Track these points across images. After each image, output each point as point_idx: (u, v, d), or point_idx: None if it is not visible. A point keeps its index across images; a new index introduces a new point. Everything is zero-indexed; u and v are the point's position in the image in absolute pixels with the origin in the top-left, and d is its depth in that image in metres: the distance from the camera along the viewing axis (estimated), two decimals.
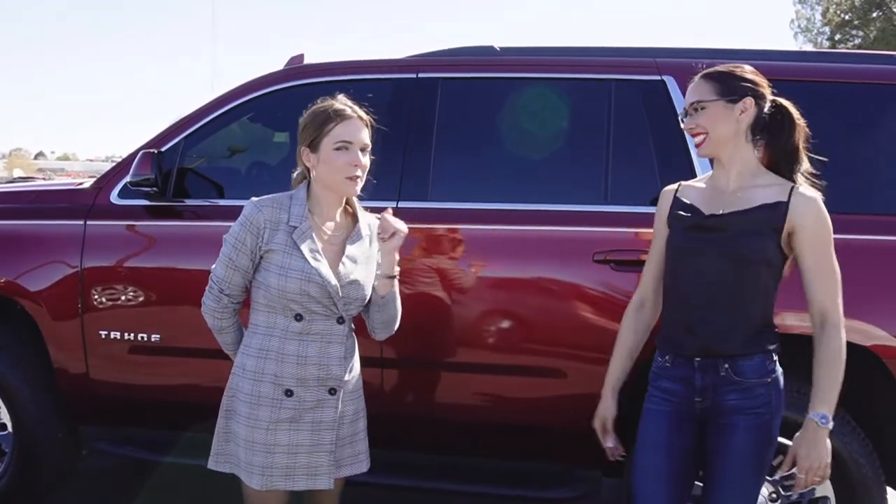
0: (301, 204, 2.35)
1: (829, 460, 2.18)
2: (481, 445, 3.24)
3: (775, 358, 2.31)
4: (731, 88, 2.27)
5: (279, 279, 2.28)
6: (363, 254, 2.44)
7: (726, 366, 2.25)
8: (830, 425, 2.17)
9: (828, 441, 2.18)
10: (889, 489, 2.96)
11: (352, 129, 2.32)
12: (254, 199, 2.37)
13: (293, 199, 2.36)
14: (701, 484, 2.43)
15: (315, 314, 2.32)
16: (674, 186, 2.48)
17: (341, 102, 2.37)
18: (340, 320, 2.37)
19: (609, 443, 2.50)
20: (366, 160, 2.35)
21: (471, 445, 3.25)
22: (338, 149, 2.30)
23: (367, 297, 2.44)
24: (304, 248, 2.29)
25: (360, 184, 2.36)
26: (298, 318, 2.32)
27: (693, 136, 2.34)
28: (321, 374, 2.34)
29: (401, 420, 3.20)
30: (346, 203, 2.45)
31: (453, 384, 3.15)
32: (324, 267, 2.31)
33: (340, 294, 2.33)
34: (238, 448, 2.36)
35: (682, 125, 2.40)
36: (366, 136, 2.36)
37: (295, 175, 2.47)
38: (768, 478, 2.76)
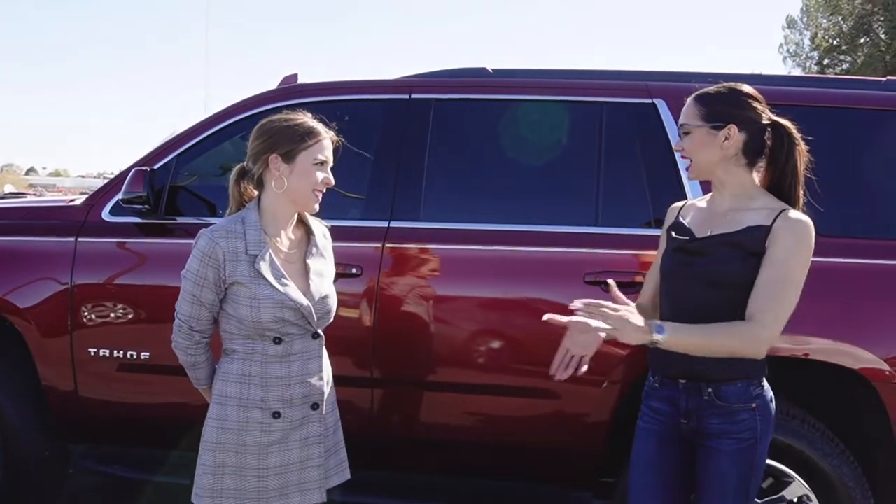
0: (255, 229, 2.31)
1: (618, 333, 2.01)
2: (472, 466, 3.23)
3: (762, 383, 2.28)
4: (715, 114, 2.23)
5: (251, 311, 2.25)
6: (324, 265, 2.45)
7: (710, 390, 2.23)
8: (656, 337, 2.03)
9: (637, 334, 2.01)
10: None
11: (328, 148, 2.37)
12: (205, 229, 2.32)
13: (246, 224, 2.31)
14: None
15: (293, 335, 2.32)
16: (679, 203, 2.49)
17: (313, 120, 2.39)
18: (315, 335, 2.37)
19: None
20: None
21: (461, 466, 3.24)
22: (315, 164, 2.32)
23: (335, 308, 2.44)
24: (269, 275, 2.27)
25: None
26: (277, 341, 2.30)
27: (682, 158, 2.35)
28: (304, 392, 2.34)
29: (389, 440, 3.19)
30: (298, 214, 2.45)
31: (444, 404, 3.14)
32: (293, 290, 2.29)
33: (314, 312, 2.33)
34: (224, 477, 2.31)
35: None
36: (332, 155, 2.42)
37: (238, 175, 2.41)
38: (758, 500, 2.76)
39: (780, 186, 2.27)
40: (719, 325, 2.12)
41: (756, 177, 2.30)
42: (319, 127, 2.37)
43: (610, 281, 2.24)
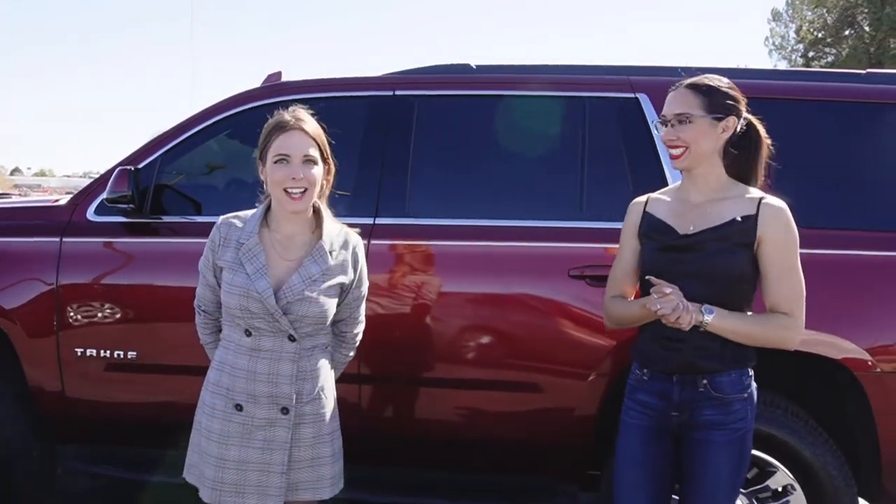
0: (254, 220, 2.35)
1: (685, 319, 2.14)
2: (458, 460, 3.25)
3: (751, 373, 2.33)
4: (717, 105, 2.28)
5: (225, 295, 2.31)
6: (326, 270, 2.34)
7: (705, 381, 2.27)
8: (704, 318, 2.18)
9: (697, 315, 2.17)
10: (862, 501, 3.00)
11: (291, 142, 2.27)
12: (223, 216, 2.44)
13: (253, 215, 2.38)
14: (677, 497, 2.45)
15: (261, 330, 2.29)
16: (642, 199, 2.48)
17: (289, 114, 2.31)
18: (291, 338, 2.31)
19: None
20: (312, 172, 2.28)
21: (448, 460, 3.25)
22: (276, 161, 2.26)
23: (328, 316, 2.36)
24: (247, 264, 2.29)
25: (307, 198, 2.29)
26: (248, 333, 2.31)
27: (671, 147, 2.32)
28: (271, 392, 2.30)
29: (379, 436, 3.20)
30: (316, 216, 2.40)
31: (431, 399, 3.15)
32: (261, 283, 2.26)
33: (282, 311, 2.27)
34: (195, 455, 2.39)
35: (657, 132, 2.38)
36: (308, 148, 2.28)
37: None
38: (742, 490, 2.79)
39: (745, 177, 2.36)
40: (759, 316, 2.27)
41: None
42: (287, 119, 2.29)
43: (657, 282, 2.23)
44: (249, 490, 2.31)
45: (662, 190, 2.53)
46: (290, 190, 2.27)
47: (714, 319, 2.19)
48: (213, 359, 2.43)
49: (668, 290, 2.18)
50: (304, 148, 2.28)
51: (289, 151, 2.27)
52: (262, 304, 2.26)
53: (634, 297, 2.46)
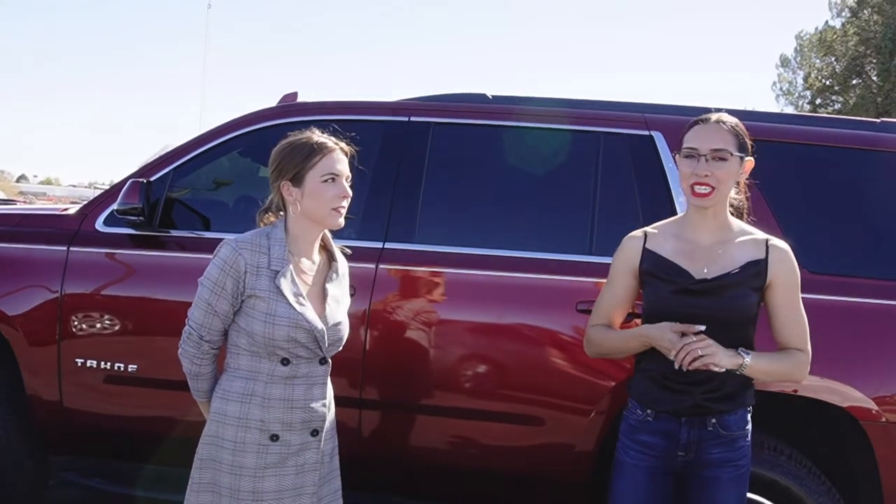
0: (281, 245, 2.28)
1: (724, 363, 2.18)
2: (458, 491, 3.21)
3: (750, 410, 2.35)
4: (742, 145, 2.28)
5: (265, 326, 2.21)
6: (342, 292, 2.42)
7: (713, 420, 2.26)
8: (745, 360, 2.20)
9: (728, 358, 2.18)
10: None
11: (337, 161, 2.30)
12: (229, 239, 2.28)
13: (271, 240, 2.28)
14: None
15: (300, 358, 2.27)
16: (638, 234, 2.41)
17: (321, 135, 2.34)
18: (323, 361, 2.32)
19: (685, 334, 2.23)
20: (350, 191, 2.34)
21: (448, 491, 3.22)
22: (325, 181, 2.27)
23: (346, 336, 2.41)
24: (288, 293, 2.23)
25: (343, 215, 2.34)
26: (285, 362, 2.26)
27: (698, 184, 2.23)
28: (306, 417, 2.29)
29: (378, 462, 3.17)
30: (321, 239, 2.41)
31: (432, 428, 3.12)
32: (309, 311, 2.26)
33: (327, 337, 2.29)
34: (220, 497, 2.27)
35: (682, 167, 2.26)
36: (347, 168, 2.34)
37: (262, 212, 2.40)
38: None
39: (738, 213, 2.42)
40: (782, 354, 2.31)
41: None
42: (325, 140, 2.32)
43: (683, 326, 2.24)
44: None
45: (656, 225, 2.45)
46: (337, 209, 2.29)
47: (751, 361, 2.22)
48: (227, 391, 2.28)
49: (700, 333, 2.21)
50: (346, 167, 2.33)
51: (337, 171, 2.30)
52: (310, 334, 2.25)
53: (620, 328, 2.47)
